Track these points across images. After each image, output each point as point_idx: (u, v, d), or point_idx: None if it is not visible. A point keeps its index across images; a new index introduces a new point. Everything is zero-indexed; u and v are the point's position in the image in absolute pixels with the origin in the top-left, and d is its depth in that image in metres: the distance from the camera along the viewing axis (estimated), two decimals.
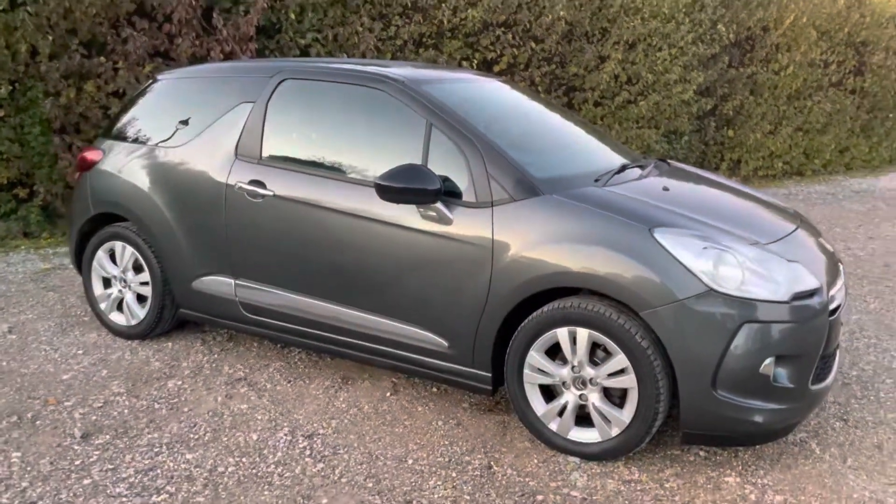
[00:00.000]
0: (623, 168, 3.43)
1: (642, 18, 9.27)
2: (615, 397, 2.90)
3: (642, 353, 2.74)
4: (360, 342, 3.41)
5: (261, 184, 3.52)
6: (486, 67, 8.38)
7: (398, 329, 3.27)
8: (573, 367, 2.92)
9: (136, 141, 4.04)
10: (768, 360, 2.67)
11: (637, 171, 3.45)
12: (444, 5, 7.90)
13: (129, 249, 4.02)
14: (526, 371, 3.02)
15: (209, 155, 3.71)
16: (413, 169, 3.04)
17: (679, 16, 9.57)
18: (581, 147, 3.70)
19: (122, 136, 4.12)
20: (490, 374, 3.13)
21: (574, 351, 2.90)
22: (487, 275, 3.00)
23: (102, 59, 6.44)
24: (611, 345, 2.81)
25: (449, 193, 3.07)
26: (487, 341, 3.08)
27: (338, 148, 3.46)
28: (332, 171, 3.38)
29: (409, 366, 3.33)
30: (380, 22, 7.77)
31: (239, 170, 3.60)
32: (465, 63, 8.26)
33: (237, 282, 3.69)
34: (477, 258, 3.01)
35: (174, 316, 4.06)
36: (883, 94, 13.04)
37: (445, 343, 3.18)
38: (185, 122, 3.89)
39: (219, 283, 3.75)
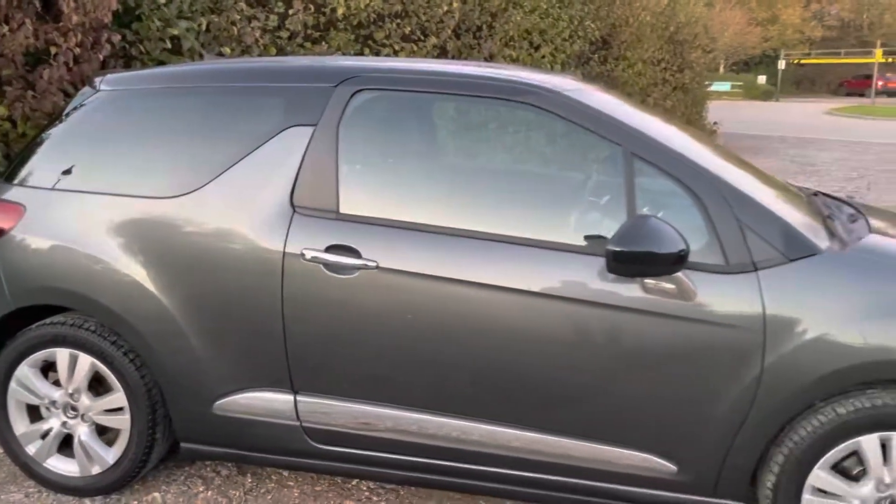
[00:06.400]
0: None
1: (524, 12, 8.72)
2: None
3: None
4: (517, 472, 2.34)
5: (351, 251, 2.29)
6: None
7: (594, 452, 2.27)
8: (881, 487, 2.14)
9: (84, 189, 2.52)
10: None
11: (846, 208, 2.74)
12: None
13: (86, 359, 2.52)
14: (806, 497, 2.18)
15: (239, 208, 2.38)
16: (649, 225, 2.05)
17: (555, 11, 9.16)
18: (756, 174, 2.88)
19: (51, 183, 2.57)
20: None
21: (885, 463, 2.12)
22: (755, 370, 2.11)
23: None
24: None
25: None
26: (746, 462, 2.19)
27: (473, 193, 2.34)
28: (475, 229, 2.25)
29: (599, 499, 2.33)
30: (259, 9, 6.37)
31: (304, 230, 2.33)
32: None
33: (300, 398, 2.42)
34: (737, 346, 2.11)
35: (165, 454, 2.64)
36: (700, 90, 13.86)
37: (673, 467, 2.24)
38: (68, 172, 2.52)
39: (266, 402, 2.44)
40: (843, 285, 2.09)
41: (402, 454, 2.41)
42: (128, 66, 5.24)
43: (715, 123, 15.47)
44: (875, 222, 2.51)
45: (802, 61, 49.26)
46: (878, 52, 39.02)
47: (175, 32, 5.94)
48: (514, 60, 8.80)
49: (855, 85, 45.02)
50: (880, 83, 40.53)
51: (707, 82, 16.04)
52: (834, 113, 28.41)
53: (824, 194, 2.93)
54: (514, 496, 2.42)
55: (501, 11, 8.49)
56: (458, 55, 8.22)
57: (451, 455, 2.37)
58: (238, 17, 6.29)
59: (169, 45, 5.97)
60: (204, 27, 6.11)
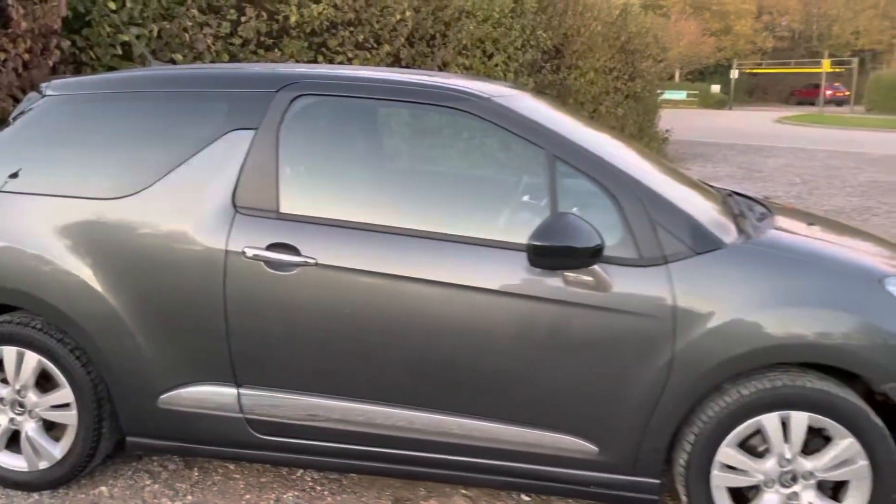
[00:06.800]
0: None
1: (476, 22, 8.91)
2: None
3: (881, 439, 2.24)
4: (452, 457, 2.48)
5: (290, 248, 2.40)
6: None
7: (521, 436, 2.41)
8: (783, 462, 2.32)
9: (31, 190, 2.60)
10: None
11: (757, 207, 2.94)
12: None
13: (32, 357, 2.59)
14: (715, 472, 2.35)
15: (183, 209, 2.48)
16: (567, 221, 2.21)
17: (507, 21, 9.38)
18: (674, 175, 3.06)
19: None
20: (659, 482, 2.42)
21: (786, 440, 2.31)
22: (666, 355, 2.28)
23: None
24: (837, 429, 2.27)
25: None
26: (660, 441, 2.36)
27: (408, 193, 2.48)
28: (409, 227, 2.39)
29: (528, 481, 2.49)
30: (212, 16, 6.43)
31: (246, 229, 2.44)
32: None
33: (243, 391, 2.52)
34: (649, 334, 2.28)
35: (112, 449, 2.72)
36: (652, 99, 14.21)
37: (595, 448, 2.39)
38: (15, 175, 2.60)
39: (209, 396, 2.54)
40: (743, 276, 2.27)
41: (345, 443, 2.52)
42: (78, 71, 5.28)
43: (667, 131, 15.86)
44: (781, 220, 2.71)
45: (755, 71, 50.57)
46: (826, 62, 40.30)
47: (126, 38, 5.97)
48: (468, 69, 8.97)
49: (805, 94, 46.41)
50: (828, 92, 41.88)
51: (659, 91, 16.43)
52: (783, 121, 29.26)
53: (738, 194, 3.14)
54: (451, 480, 2.55)
55: (455, 20, 8.66)
56: (412, 63, 8.36)
57: (392, 443, 2.49)
58: (190, 23, 6.33)
59: (119, 52, 6.00)
60: (155, 34, 6.14)
